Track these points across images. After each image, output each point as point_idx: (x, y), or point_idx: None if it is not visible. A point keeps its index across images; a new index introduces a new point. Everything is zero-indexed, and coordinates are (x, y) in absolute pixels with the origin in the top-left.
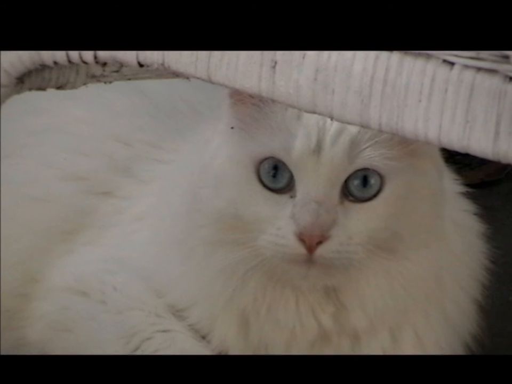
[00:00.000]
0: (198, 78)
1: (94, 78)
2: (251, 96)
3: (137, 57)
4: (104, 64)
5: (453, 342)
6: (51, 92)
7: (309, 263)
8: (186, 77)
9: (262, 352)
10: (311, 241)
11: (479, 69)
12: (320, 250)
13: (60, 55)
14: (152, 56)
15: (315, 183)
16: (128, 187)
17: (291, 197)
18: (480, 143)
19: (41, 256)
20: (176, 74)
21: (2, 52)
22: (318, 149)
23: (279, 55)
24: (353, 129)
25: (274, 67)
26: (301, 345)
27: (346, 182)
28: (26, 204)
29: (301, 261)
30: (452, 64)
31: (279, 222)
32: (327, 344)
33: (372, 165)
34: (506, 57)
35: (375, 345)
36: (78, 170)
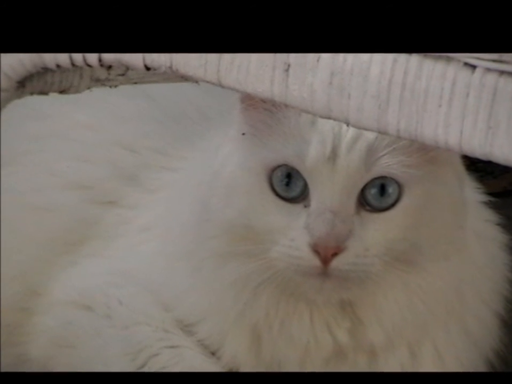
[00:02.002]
0: (207, 82)
1: (98, 81)
2: (263, 100)
3: (143, 60)
4: (109, 67)
5: (474, 358)
6: (53, 96)
7: (324, 276)
8: (195, 81)
9: (274, 369)
10: (326, 252)
11: (502, 72)
12: (336, 263)
13: (62, 58)
14: (159, 59)
15: (330, 191)
16: (134, 196)
17: (305, 206)
18: (503, 150)
19: (43, 268)
20: (184, 78)
21: (3, 55)
22: (333, 156)
23: (293, 57)
24: (370, 136)
25: (287, 70)
26: (316, 361)
27: (363, 190)
28: (27, 214)
29: (315, 274)
30: (474, 67)
31: (293, 232)
32: (342, 360)
33: (389, 172)
34: None
35: (393, 362)
36: (82, 178)
